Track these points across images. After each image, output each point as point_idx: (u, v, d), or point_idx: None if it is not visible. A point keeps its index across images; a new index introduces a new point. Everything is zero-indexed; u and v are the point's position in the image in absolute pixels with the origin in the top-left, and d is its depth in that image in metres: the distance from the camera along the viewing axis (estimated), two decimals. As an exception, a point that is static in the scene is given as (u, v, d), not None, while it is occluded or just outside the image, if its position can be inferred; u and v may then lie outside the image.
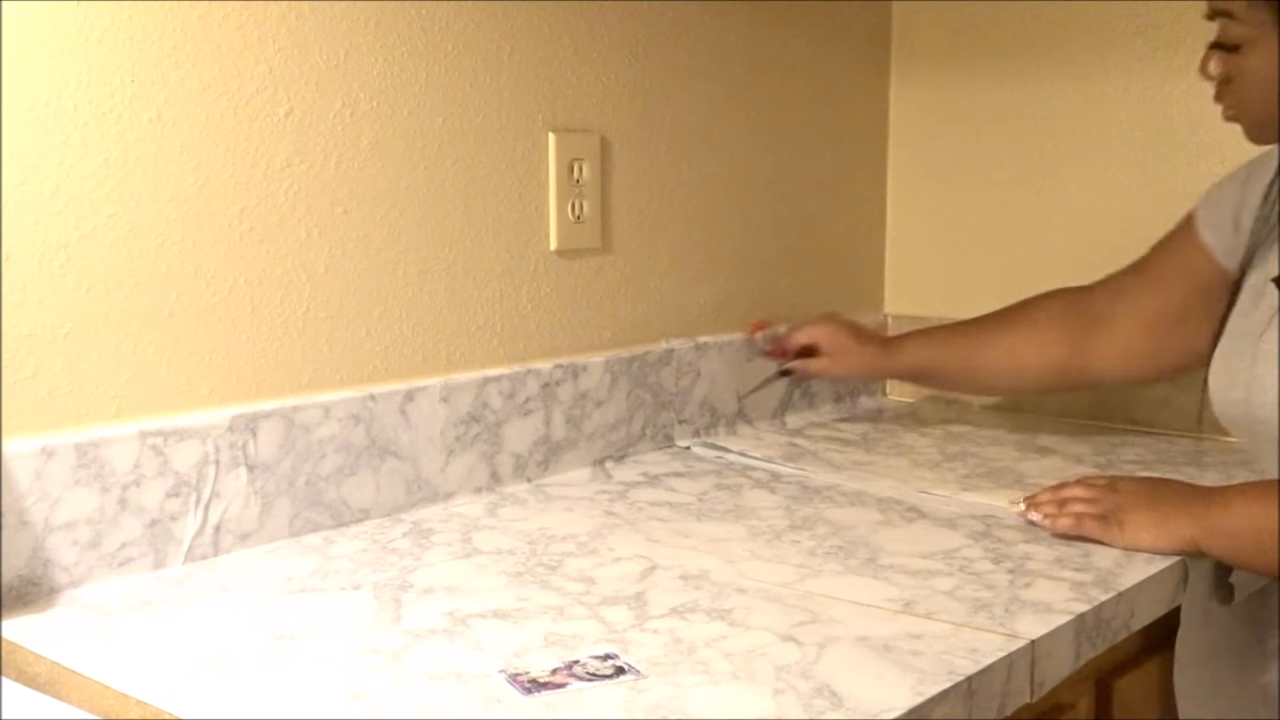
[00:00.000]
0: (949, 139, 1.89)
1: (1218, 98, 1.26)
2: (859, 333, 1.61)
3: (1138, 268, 1.45)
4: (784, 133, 1.75)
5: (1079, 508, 1.20)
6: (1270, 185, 1.30)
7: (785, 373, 1.62)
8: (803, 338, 1.59)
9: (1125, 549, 1.16)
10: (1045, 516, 1.21)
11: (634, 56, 1.52)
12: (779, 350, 1.60)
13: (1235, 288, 1.29)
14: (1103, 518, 1.18)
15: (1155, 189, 1.72)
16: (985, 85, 1.85)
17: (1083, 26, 1.75)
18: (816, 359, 1.59)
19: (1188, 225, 1.40)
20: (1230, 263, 1.34)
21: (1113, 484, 1.23)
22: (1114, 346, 1.46)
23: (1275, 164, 1.31)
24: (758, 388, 1.60)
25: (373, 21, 1.26)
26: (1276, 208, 1.27)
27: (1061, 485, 1.25)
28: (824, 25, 1.80)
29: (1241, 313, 1.26)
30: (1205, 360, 1.41)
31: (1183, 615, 1.16)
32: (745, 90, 1.68)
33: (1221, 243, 1.35)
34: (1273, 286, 1.23)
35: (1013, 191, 1.84)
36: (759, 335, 1.59)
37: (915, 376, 1.60)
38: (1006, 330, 1.52)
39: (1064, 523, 1.20)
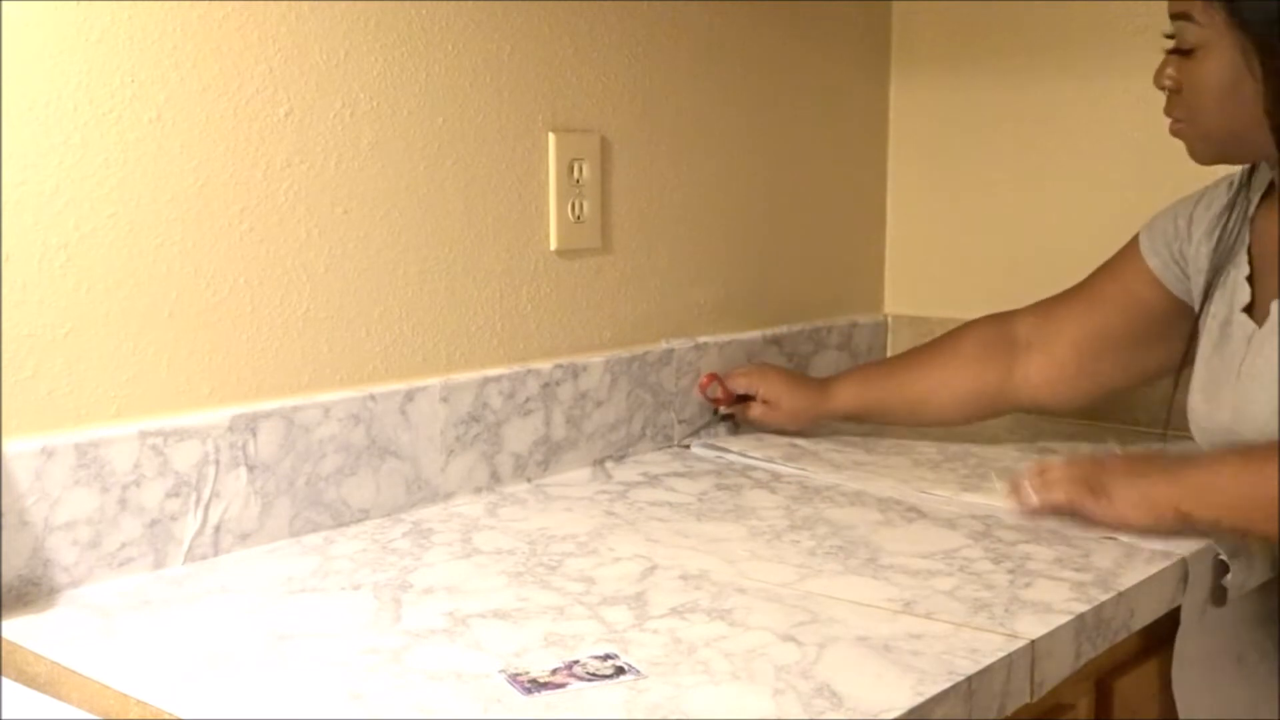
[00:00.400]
0: (949, 139, 1.89)
1: (1168, 109, 1.25)
2: (793, 379, 1.62)
3: (1078, 291, 1.48)
4: (784, 133, 1.75)
5: (1066, 483, 1.20)
6: (1221, 216, 1.31)
7: (726, 417, 1.64)
8: (739, 385, 1.61)
9: (1113, 524, 1.17)
10: (1037, 496, 1.20)
11: (634, 56, 1.52)
12: (725, 395, 1.61)
13: (1196, 319, 1.30)
14: (1089, 487, 1.18)
15: (1155, 189, 1.71)
16: (985, 85, 1.85)
17: (1083, 26, 1.75)
18: (754, 406, 1.60)
19: (1132, 249, 1.43)
20: (1177, 289, 1.36)
21: (1095, 456, 1.26)
22: (1045, 370, 1.48)
23: (1224, 197, 1.32)
24: (699, 429, 1.61)
25: (373, 21, 1.26)
26: (1234, 237, 1.28)
27: (1042, 465, 1.24)
28: (824, 25, 1.80)
29: (1212, 342, 1.27)
30: (1139, 382, 1.48)
31: (1182, 615, 1.16)
32: (745, 90, 1.68)
33: (1165, 269, 1.38)
34: (1241, 315, 1.24)
35: (1013, 191, 1.84)
36: (710, 385, 1.60)
37: (853, 416, 1.60)
38: (938, 362, 1.54)
39: (1055, 496, 1.19)
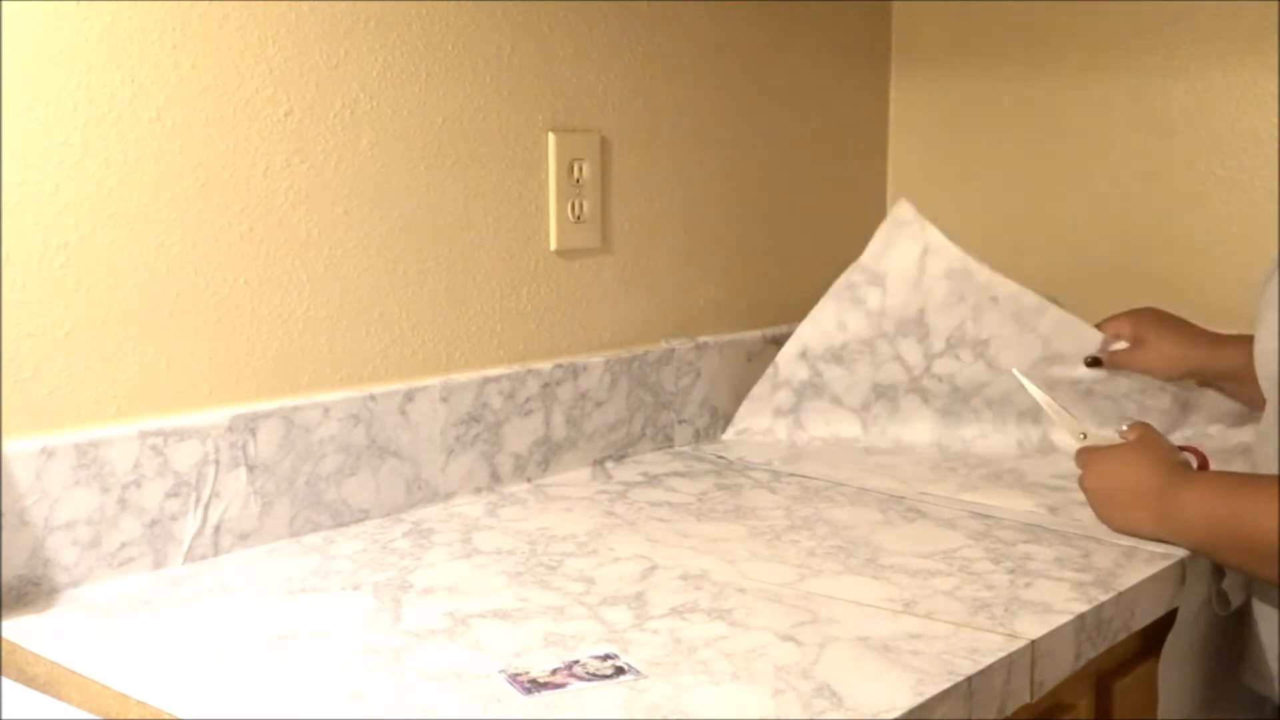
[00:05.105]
0: (949, 138, 1.89)
1: None
2: (1167, 320, 1.50)
3: None
4: (784, 132, 1.75)
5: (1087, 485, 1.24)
6: None
7: (1093, 362, 1.51)
8: (1111, 327, 1.51)
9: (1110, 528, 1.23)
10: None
11: (634, 56, 1.52)
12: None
13: None
14: (1103, 496, 1.23)
15: (1154, 189, 1.72)
16: (985, 84, 1.85)
17: (1083, 26, 1.75)
18: (1127, 350, 1.49)
19: None
20: None
21: (1080, 480, 1.25)
22: None
23: None
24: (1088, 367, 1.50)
25: (373, 21, 1.26)
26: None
27: (1088, 457, 1.26)
28: (824, 25, 1.80)
29: None
30: None
31: (1178, 615, 1.16)
32: (745, 89, 1.68)
33: None
34: None
35: (1012, 191, 1.84)
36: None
37: (1235, 378, 1.44)
38: None
39: (1083, 483, 1.25)
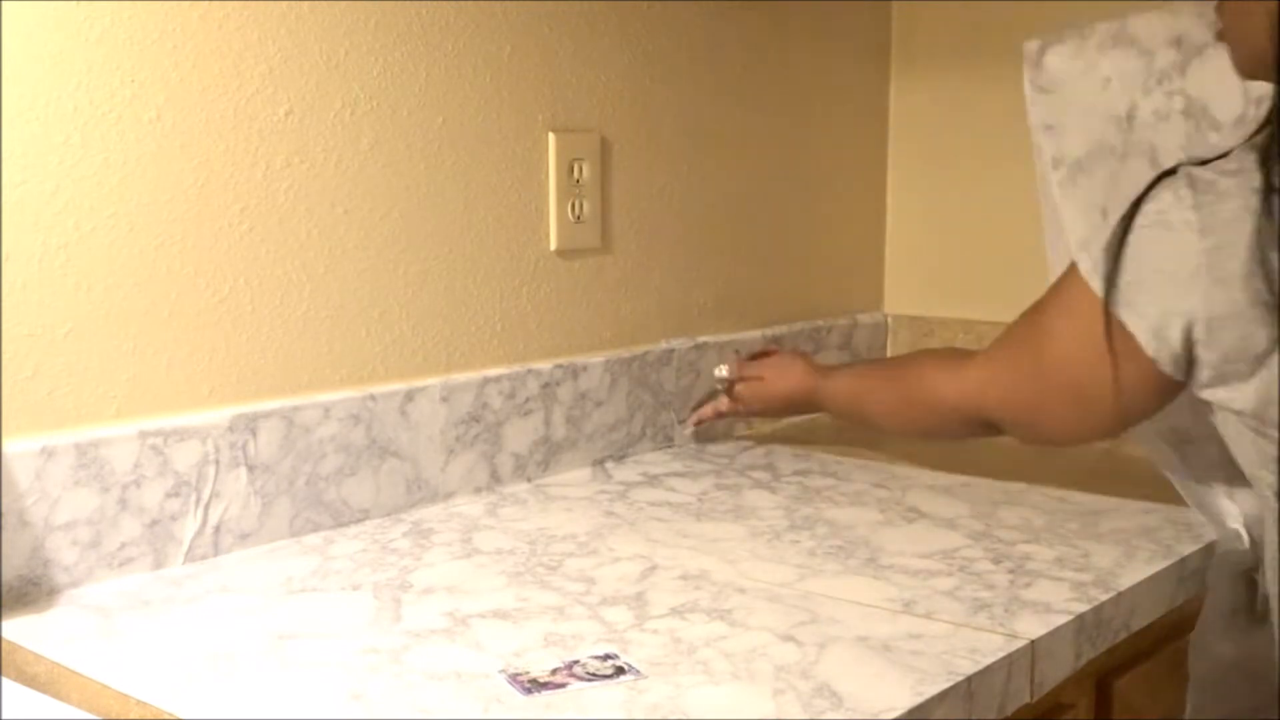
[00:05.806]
0: (949, 139, 1.89)
1: None
2: (790, 356, 1.54)
3: None
4: (784, 133, 1.75)
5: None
6: None
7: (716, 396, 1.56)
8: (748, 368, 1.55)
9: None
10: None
11: (634, 56, 1.52)
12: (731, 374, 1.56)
13: None
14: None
15: (1155, 189, 1.71)
16: (985, 85, 1.85)
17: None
18: (742, 384, 1.54)
19: None
20: None
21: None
22: None
23: None
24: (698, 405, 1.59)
25: (373, 21, 1.26)
26: None
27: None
28: (824, 25, 1.80)
29: None
30: None
31: (1206, 604, 1.14)
32: (745, 90, 1.68)
33: None
34: None
35: (1013, 191, 1.84)
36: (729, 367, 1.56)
37: (843, 409, 1.46)
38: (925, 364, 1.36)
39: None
